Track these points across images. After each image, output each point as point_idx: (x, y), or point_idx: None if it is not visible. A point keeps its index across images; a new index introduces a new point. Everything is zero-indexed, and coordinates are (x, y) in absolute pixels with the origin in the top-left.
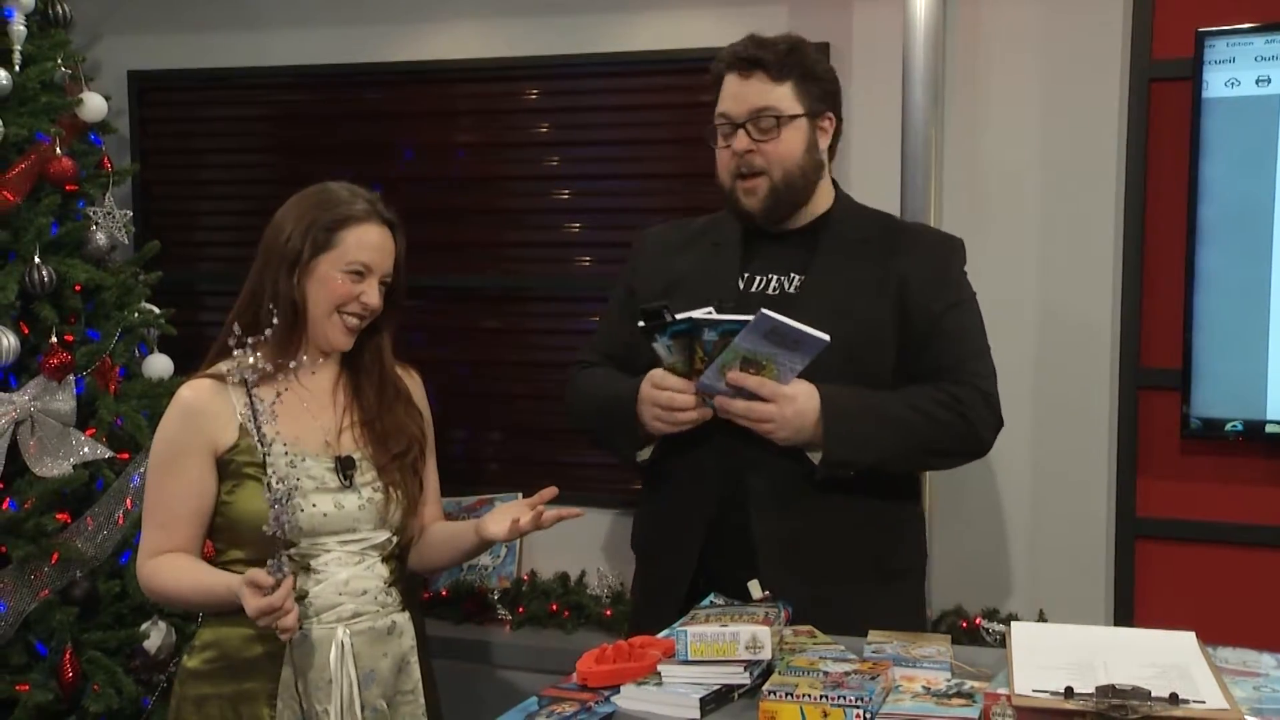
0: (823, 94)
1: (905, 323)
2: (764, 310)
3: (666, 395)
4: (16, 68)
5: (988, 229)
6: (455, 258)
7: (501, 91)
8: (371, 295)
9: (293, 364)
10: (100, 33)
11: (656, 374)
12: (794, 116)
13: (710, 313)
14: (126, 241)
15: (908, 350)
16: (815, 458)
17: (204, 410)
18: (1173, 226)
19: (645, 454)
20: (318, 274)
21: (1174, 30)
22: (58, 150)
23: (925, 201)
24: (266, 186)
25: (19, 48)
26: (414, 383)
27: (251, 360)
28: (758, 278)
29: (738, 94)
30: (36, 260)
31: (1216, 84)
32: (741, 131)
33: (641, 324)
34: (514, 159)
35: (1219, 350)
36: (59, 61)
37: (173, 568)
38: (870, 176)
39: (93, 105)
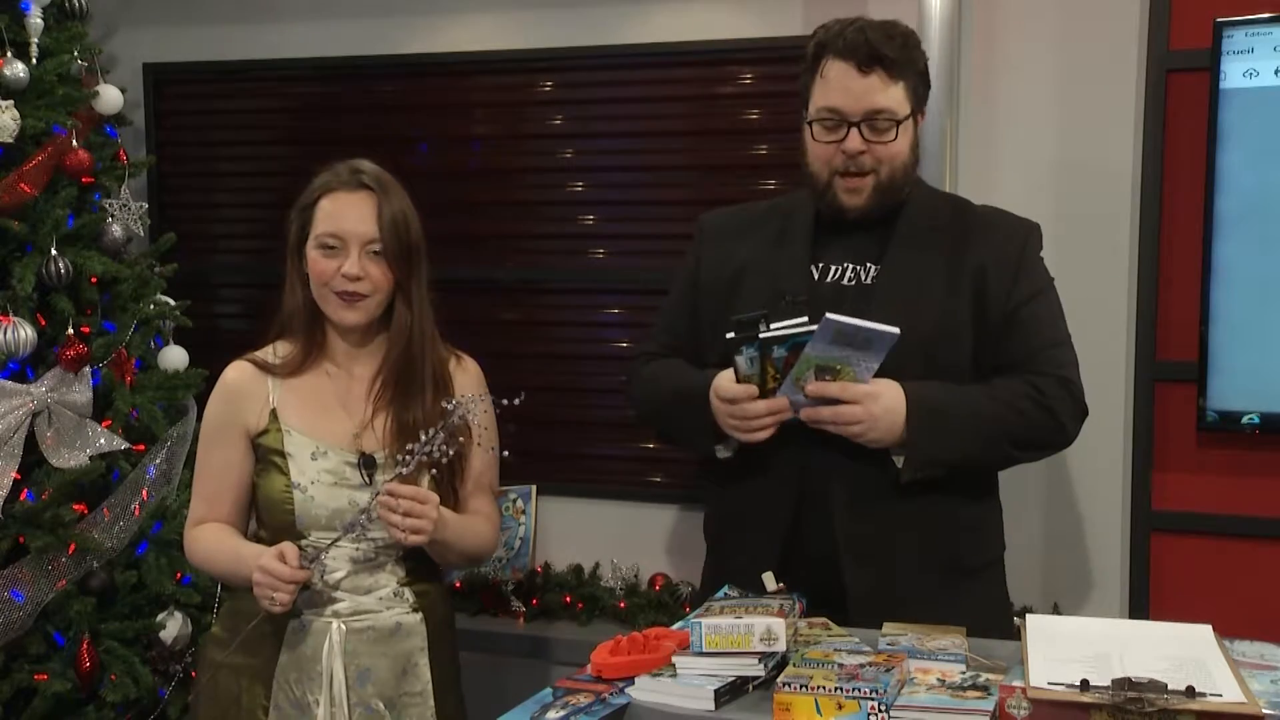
0: (925, 89)
1: (983, 314)
2: (828, 315)
3: (739, 408)
4: (33, 60)
5: None
6: (470, 250)
7: (516, 84)
8: (351, 265)
9: (323, 349)
10: (116, 25)
11: (722, 386)
12: (906, 118)
13: (787, 327)
14: (142, 234)
15: (986, 341)
16: (899, 459)
17: (243, 392)
18: (1190, 218)
19: (727, 451)
20: (308, 255)
21: (1191, 20)
22: (74, 143)
23: None
24: (282, 179)
25: (36, 40)
26: (464, 373)
27: (286, 349)
28: (832, 267)
29: (853, 90)
30: (53, 252)
31: (1235, 74)
32: (855, 131)
33: (732, 335)
34: (529, 151)
35: (1236, 343)
36: (75, 54)
37: (211, 535)
38: None
39: (109, 98)
